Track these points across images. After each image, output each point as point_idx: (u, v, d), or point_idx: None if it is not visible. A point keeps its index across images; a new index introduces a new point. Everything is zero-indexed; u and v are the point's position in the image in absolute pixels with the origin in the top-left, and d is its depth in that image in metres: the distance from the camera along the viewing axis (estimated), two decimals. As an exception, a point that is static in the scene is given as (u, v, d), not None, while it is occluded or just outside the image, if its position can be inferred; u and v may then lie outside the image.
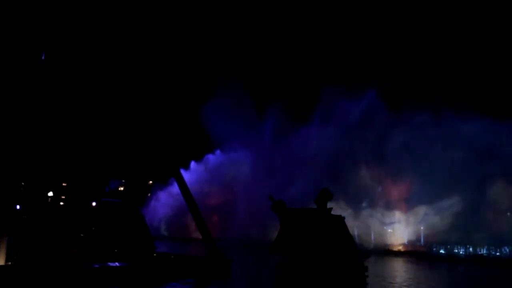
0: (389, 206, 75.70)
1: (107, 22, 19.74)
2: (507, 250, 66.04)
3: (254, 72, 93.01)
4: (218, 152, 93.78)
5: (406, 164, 74.43)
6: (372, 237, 73.60)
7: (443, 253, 66.36)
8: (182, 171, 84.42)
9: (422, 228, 72.18)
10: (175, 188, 64.37)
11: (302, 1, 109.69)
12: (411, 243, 72.13)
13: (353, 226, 69.37)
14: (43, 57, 19.11)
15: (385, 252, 65.97)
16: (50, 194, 23.55)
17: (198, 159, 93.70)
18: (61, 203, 24.28)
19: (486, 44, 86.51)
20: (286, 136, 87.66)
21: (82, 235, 23.53)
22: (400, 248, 69.73)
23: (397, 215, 74.47)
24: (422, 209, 71.86)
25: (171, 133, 23.90)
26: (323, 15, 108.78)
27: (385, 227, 74.59)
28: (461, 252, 67.20)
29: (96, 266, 20.84)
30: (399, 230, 74.48)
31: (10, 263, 19.65)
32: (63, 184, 24.27)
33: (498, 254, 66.21)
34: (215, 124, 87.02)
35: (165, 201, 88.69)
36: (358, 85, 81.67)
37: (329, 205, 16.79)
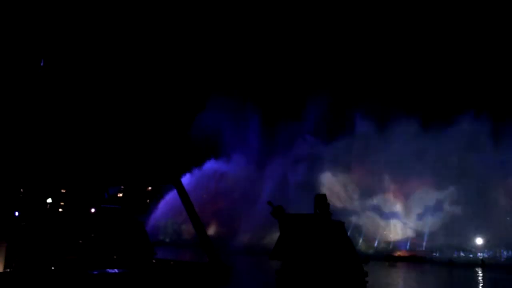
0: (390, 202, 77.25)
1: (104, 33, 19.77)
2: (508, 254, 66.07)
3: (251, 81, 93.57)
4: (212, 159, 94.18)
5: (408, 163, 75.36)
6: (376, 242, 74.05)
7: (444, 258, 66.15)
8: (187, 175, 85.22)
9: (423, 230, 72.61)
10: (174, 194, 64.29)
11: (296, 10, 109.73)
12: (411, 246, 72.19)
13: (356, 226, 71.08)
14: (41, 64, 19.12)
15: (386, 257, 65.77)
16: (49, 200, 23.45)
17: (199, 165, 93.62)
18: (60, 210, 24.19)
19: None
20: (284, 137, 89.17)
21: (80, 241, 23.40)
22: (401, 253, 69.63)
23: (398, 206, 75.99)
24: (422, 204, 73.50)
25: (171, 140, 23.86)
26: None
27: (385, 221, 75.54)
28: (461, 254, 67.39)
29: (95, 272, 20.74)
30: (399, 225, 75.33)
31: (8, 270, 19.57)
32: (62, 191, 24.17)
33: (498, 258, 66.17)
34: (213, 131, 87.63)
35: (165, 207, 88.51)
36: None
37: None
